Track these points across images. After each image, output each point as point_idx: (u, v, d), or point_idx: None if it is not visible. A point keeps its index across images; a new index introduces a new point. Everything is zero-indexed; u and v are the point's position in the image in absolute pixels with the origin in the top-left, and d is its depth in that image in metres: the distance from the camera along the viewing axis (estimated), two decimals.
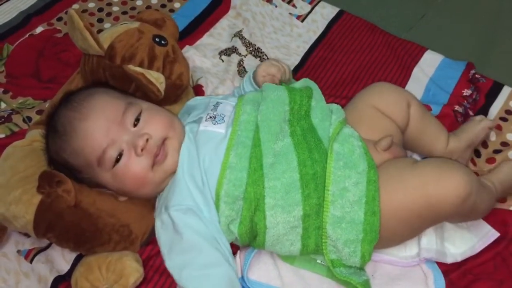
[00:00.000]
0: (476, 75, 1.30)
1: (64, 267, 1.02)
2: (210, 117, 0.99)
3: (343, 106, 1.05)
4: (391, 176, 0.92)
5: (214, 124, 0.97)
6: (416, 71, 1.34)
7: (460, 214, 0.93)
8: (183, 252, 0.89)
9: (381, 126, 1.02)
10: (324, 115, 0.99)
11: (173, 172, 0.95)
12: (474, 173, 1.00)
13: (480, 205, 0.93)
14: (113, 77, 1.06)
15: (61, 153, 0.95)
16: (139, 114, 0.95)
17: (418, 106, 1.08)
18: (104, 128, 0.92)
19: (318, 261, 0.97)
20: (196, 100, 1.10)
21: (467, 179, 0.87)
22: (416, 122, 1.07)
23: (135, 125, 0.94)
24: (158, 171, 0.94)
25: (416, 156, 1.12)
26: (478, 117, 1.14)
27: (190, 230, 0.90)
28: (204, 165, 0.93)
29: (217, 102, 1.02)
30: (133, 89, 1.07)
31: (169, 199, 0.93)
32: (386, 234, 0.91)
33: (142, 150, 0.92)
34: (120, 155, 0.92)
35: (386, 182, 0.91)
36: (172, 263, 0.90)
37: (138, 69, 1.04)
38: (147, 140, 0.92)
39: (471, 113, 1.23)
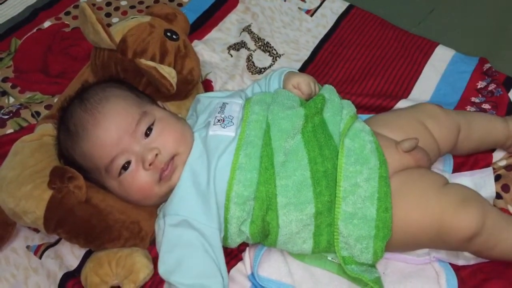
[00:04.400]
0: (492, 69, 1.29)
1: (74, 263, 1.02)
2: (219, 120, 0.97)
3: (356, 104, 1.04)
4: (413, 191, 0.92)
5: (224, 127, 0.96)
6: (427, 67, 1.33)
7: (470, 250, 0.92)
8: (174, 260, 0.89)
9: (418, 136, 0.97)
10: (336, 109, 0.98)
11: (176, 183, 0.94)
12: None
13: (497, 247, 0.91)
14: (125, 71, 1.06)
15: (71, 151, 0.95)
16: (152, 124, 0.94)
17: (467, 124, 1.06)
18: (116, 138, 0.91)
19: (329, 258, 0.97)
20: (203, 98, 1.09)
21: (480, 219, 0.87)
22: (466, 139, 1.06)
23: (147, 135, 0.93)
24: (164, 186, 0.93)
25: (447, 171, 1.09)
26: None
27: (181, 241, 0.89)
28: (214, 170, 0.92)
29: (223, 103, 1.01)
30: (145, 84, 1.07)
31: (167, 206, 0.93)
32: (391, 243, 0.91)
33: (150, 164, 0.91)
34: (128, 163, 0.92)
35: (406, 195, 0.91)
36: (162, 268, 0.90)
37: (151, 63, 1.04)
38: (156, 155, 0.91)
39: (487, 106, 1.21)
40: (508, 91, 1.24)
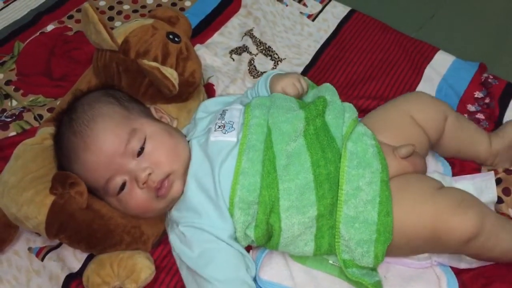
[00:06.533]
0: (489, 79, 1.29)
1: (76, 265, 1.02)
2: (219, 126, 0.97)
3: (357, 107, 1.04)
4: (410, 194, 0.92)
5: (225, 133, 0.96)
6: (428, 71, 1.33)
7: (468, 252, 0.93)
8: (201, 266, 0.90)
9: (409, 134, 0.99)
10: (338, 112, 0.98)
11: (180, 196, 0.94)
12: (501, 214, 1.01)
13: (496, 248, 0.91)
14: (127, 71, 1.06)
15: (68, 170, 0.95)
16: (144, 141, 0.93)
17: (454, 117, 1.07)
18: (107, 161, 0.91)
19: (330, 261, 0.97)
20: (204, 106, 1.08)
21: (479, 220, 0.87)
22: (452, 132, 1.06)
23: (139, 152, 0.92)
24: (162, 201, 0.94)
25: (447, 174, 1.09)
26: None
27: (204, 246, 0.90)
28: (218, 176, 0.92)
29: (223, 110, 1.01)
30: (146, 85, 1.07)
31: (180, 217, 0.94)
32: (390, 248, 0.90)
33: (144, 183, 0.91)
34: (125, 182, 0.92)
35: (403, 199, 0.91)
36: (183, 273, 0.92)
37: (153, 63, 1.04)
38: (149, 174, 0.91)
39: (481, 116, 1.22)
40: (510, 96, 1.25)
